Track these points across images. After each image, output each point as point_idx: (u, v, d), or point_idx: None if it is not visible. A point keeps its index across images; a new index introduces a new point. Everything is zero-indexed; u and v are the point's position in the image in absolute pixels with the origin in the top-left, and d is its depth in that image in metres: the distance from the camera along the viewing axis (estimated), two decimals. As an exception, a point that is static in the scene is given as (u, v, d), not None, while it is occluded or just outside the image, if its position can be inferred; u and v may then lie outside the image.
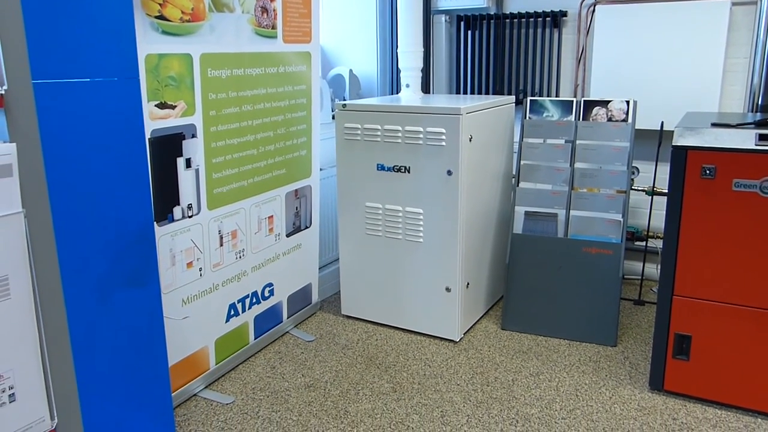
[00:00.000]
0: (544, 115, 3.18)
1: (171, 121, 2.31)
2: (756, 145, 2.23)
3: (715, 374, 2.44)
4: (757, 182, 2.24)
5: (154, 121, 2.24)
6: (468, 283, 3.05)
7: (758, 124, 2.36)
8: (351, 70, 3.97)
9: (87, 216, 1.80)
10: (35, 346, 1.54)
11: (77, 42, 1.70)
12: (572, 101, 3.13)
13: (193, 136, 2.42)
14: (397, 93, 4.11)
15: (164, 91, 2.26)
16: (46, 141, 1.64)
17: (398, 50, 3.35)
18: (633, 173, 3.43)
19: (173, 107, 2.31)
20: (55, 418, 1.60)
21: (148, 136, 2.22)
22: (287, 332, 3.16)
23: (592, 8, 3.57)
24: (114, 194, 1.88)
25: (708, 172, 2.30)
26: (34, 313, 1.53)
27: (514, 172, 3.35)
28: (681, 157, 2.34)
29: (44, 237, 1.54)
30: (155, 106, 2.23)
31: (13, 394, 1.52)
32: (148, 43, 2.16)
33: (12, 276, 1.49)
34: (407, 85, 3.40)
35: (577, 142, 3.09)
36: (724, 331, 2.39)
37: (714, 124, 2.38)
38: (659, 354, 2.52)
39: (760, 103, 3.16)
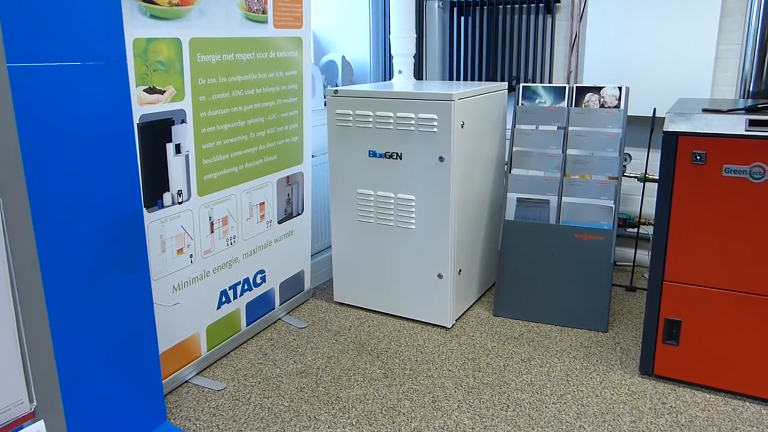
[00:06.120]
0: (537, 101, 3.17)
1: (160, 106, 2.30)
2: (746, 130, 2.23)
3: (704, 359, 2.45)
4: (746, 168, 2.25)
5: (143, 106, 2.22)
6: (460, 270, 3.06)
7: (749, 110, 2.36)
8: (343, 57, 3.95)
9: (73, 202, 1.79)
10: (12, 330, 1.53)
11: (60, 25, 1.68)
12: (565, 87, 3.12)
13: (183, 121, 2.41)
14: (390, 79, 4.09)
15: (153, 76, 2.24)
16: (23, 126, 1.62)
17: (391, 36, 3.34)
18: (625, 160, 3.43)
19: (162, 92, 2.29)
20: (34, 401, 1.60)
21: (136, 121, 2.20)
22: (279, 319, 3.16)
23: (585, -6, 3.56)
24: (102, 180, 1.87)
25: (698, 157, 2.30)
26: (11, 297, 1.52)
27: (506, 159, 3.34)
28: (672, 143, 2.34)
29: (21, 222, 1.53)
30: (144, 90, 2.22)
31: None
32: (136, 27, 2.14)
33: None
34: (400, 72, 3.39)
35: (570, 128, 3.08)
36: (714, 316, 2.41)
37: (705, 110, 2.37)
38: (649, 339, 2.53)
39: (751, 89, 3.16)
